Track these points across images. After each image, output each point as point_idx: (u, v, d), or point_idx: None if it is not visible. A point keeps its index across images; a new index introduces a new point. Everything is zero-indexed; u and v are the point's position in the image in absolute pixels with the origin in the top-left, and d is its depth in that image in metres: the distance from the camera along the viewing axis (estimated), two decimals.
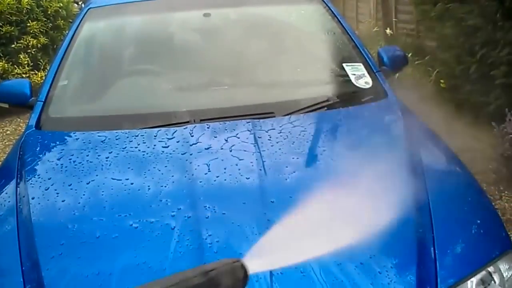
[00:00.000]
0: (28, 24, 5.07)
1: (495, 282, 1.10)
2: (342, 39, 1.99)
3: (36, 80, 4.83)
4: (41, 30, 5.14)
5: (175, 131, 1.49)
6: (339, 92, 1.76)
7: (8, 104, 1.96)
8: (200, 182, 1.27)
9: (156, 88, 1.82)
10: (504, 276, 1.11)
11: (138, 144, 1.46)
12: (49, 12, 5.30)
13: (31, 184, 1.35)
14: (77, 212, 1.23)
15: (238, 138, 1.44)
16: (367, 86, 1.77)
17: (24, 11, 5.03)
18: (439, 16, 3.87)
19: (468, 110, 3.58)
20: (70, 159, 1.43)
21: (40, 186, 1.33)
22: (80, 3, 7.53)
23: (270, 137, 1.44)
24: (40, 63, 5.13)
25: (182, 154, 1.39)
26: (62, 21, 5.44)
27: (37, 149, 1.55)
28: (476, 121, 3.43)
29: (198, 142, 1.43)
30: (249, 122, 1.51)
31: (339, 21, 2.05)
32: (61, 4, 5.46)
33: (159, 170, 1.34)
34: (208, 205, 1.19)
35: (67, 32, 2.13)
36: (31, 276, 1.08)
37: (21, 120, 4.77)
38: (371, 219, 1.17)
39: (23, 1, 4.99)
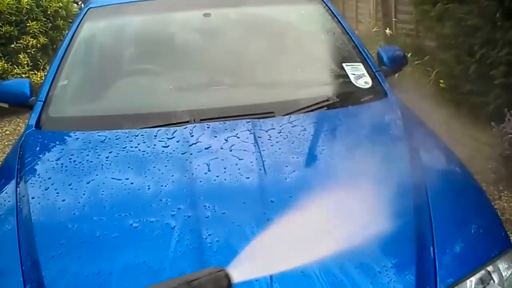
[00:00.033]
0: (28, 24, 5.07)
1: (494, 282, 1.11)
2: (342, 39, 2.00)
3: (35, 80, 4.83)
4: (41, 30, 5.15)
5: (175, 131, 1.50)
6: (338, 92, 1.76)
7: (8, 104, 1.96)
8: (200, 181, 1.28)
9: (156, 88, 1.82)
10: (503, 275, 1.12)
11: (138, 144, 1.46)
12: (48, 12, 5.30)
13: (31, 183, 1.35)
14: (77, 212, 1.23)
15: (238, 138, 1.44)
16: (367, 86, 1.77)
17: (23, 11, 5.03)
18: (438, 16, 3.88)
19: (468, 110, 3.59)
20: (70, 159, 1.43)
21: (40, 186, 1.33)
22: (79, 3, 7.53)
23: (270, 137, 1.45)
24: (40, 63, 5.13)
25: (182, 153, 1.39)
26: (61, 21, 5.44)
27: (37, 149, 1.55)
28: (475, 121, 3.43)
29: (198, 142, 1.43)
30: (249, 122, 1.51)
31: (339, 21, 2.05)
32: (61, 4, 5.46)
33: (159, 170, 1.34)
34: (208, 205, 1.19)
35: (67, 32, 2.13)
36: (31, 275, 1.08)
37: (20, 120, 4.77)
38: (371, 218, 1.17)
39: (23, 1, 4.99)
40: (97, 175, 1.35)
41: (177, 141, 1.45)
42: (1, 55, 4.93)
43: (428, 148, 1.50)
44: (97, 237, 1.14)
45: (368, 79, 1.80)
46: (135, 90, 1.83)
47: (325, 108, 1.65)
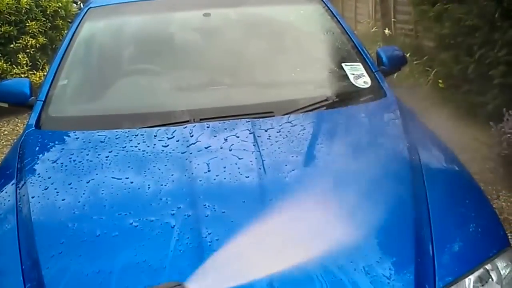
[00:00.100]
0: (27, 24, 5.07)
1: (492, 280, 1.11)
2: (341, 39, 2.00)
3: (34, 80, 4.83)
4: (40, 30, 5.14)
5: (175, 131, 1.50)
6: (338, 92, 1.76)
7: (8, 104, 1.96)
8: (200, 181, 1.28)
9: (156, 87, 1.82)
10: (502, 273, 1.12)
11: (138, 143, 1.46)
12: (48, 12, 5.30)
13: (31, 183, 1.35)
14: (77, 211, 1.23)
15: (238, 137, 1.45)
16: (366, 86, 1.78)
17: (23, 11, 5.03)
18: (437, 16, 3.89)
19: (466, 110, 3.60)
20: (70, 158, 1.43)
21: (40, 185, 1.33)
22: (78, 2, 7.53)
23: (269, 136, 1.45)
24: (39, 63, 5.13)
25: (182, 153, 1.39)
26: (61, 21, 5.44)
27: (37, 148, 1.55)
28: (474, 120, 3.44)
29: (197, 141, 1.44)
30: (248, 121, 1.51)
31: (338, 21, 2.05)
32: (60, 4, 5.46)
33: (159, 169, 1.34)
34: (207, 204, 1.20)
35: (67, 31, 2.13)
36: (31, 275, 1.08)
37: (19, 120, 4.77)
38: (370, 217, 1.18)
39: (22, 1, 4.99)
40: (97, 174, 1.35)
41: (177, 141, 1.45)
42: (0, 55, 4.92)
43: (427, 147, 1.50)
44: (97, 236, 1.15)
45: (367, 79, 1.80)
46: (135, 89, 1.83)
47: (325, 107, 1.66)
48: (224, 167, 1.32)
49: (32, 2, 5.11)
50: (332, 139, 1.54)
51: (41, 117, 1.69)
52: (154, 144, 1.45)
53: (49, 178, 1.36)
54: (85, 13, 2.09)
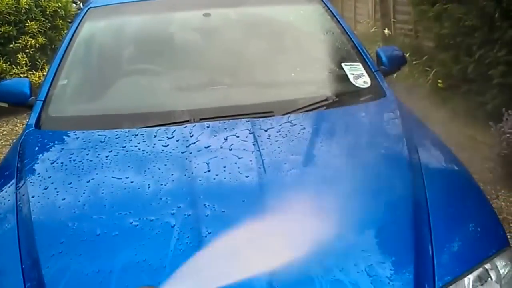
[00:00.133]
0: (27, 24, 5.06)
1: (491, 279, 1.12)
2: (341, 39, 2.00)
3: (34, 80, 4.83)
4: (40, 30, 5.14)
5: (175, 130, 1.50)
6: (337, 92, 1.77)
7: (8, 104, 1.96)
8: (200, 180, 1.28)
9: (156, 87, 1.82)
10: (501, 273, 1.13)
11: (138, 143, 1.46)
12: (47, 12, 5.29)
13: (31, 182, 1.35)
14: (77, 210, 1.23)
15: (238, 137, 1.45)
16: (366, 86, 1.78)
17: (22, 11, 5.03)
18: (437, 16, 3.90)
19: (466, 110, 3.60)
20: (70, 158, 1.43)
21: (40, 185, 1.33)
22: (78, 2, 7.53)
23: (269, 136, 1.45)
24: (38, 63, 5.12)
25: (181, 152, 1.39)
26: (60, 21, 5.44)
27: (37, 148, 1.56)
28: (473, 120, 3.45)
29: (197, 141, 1.44)
30: (248, 121, 1.52)
31: (338, 21, 2.06)
32: (60, 4, 5.45)
33: (159, 169, 1.34)
34: (207, 203, 1.20)
35: (67, 31, 2.14)
36: (31, 274, 1.08)
37: (18, 120, 4.77)
38: (369, 216, 1.18)
39: (22, 1, 4.98)
40: (97, 174, 1.36)
41: (177, 140, 1.45)
42: None
43: (426, 147, 1.51)
44: (97, 236, 1.15)
45: (367, 78, 1.80)
46: (135, 89, 1.83)
47: (324, 107, 1.66)
48: (224, 167, 1.32)
49: (31, 2, 5.11)
50: (331, 139, 1.55)
51: (41, 117, 1.69)
52: (154, 144, 1.45)
53: (49, 177, 1.36)
54: (85, 13, 2.09)
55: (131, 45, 2.07)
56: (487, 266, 1.12)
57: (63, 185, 1.33)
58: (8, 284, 1.09)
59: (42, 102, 1.74)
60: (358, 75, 1.81)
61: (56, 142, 1.59)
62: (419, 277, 1.04)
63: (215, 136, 1.48)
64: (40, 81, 4.74)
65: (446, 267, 1.08)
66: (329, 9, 2.11)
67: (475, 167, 1.87)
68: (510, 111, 2.80)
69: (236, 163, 1.33)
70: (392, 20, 5.82)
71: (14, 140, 3.97)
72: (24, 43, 5.03)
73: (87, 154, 1.44)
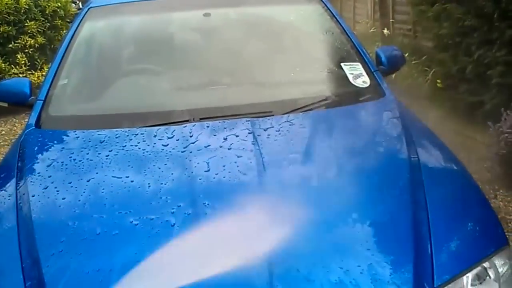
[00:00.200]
0: (26, 24, 5.06)
1: (490, 278, 1.12)
2: (340, 39, 2.01)
3: (33, 80, 4.81)
4: (39, 30, 5.13)
5: (175, 130, 1.50)
6: (337, 91, 1.77)
7: (8, 103, 1.96)
8: (200, 179, 1.29)
9: (156, 87, 1.83)
10: (499, 271, 1.13)
11: (138, 143, 1.47)
12: (47, 12, 5.29)
13: (31, 182, 1.35)
14: (77, 210, 1.23)
15: (237, 136, 1.45)
16: (365, 85, 1.78)
17: (22, 11, 5.02)
18: (436, 17, 3.90)
19: (464, 110, 3.61)
20: (70, 157, 1.43)
21: (40, 184, 1.34)
22: (77, 2, 7.52)
23: (269, 136, 1.46)
24: (37, 63, 5.12)
25: (181, 152, 1.40)
26: (60, 21, 5.43)
27: (37, 147, 1.56)
28: (472, 120, 3.46)
29: (197, 141, 1.44)
30: (248, 120, 1.52)
31: (338, 21, 2.06)
32: (59, 4, 5.45)
33: (159, 168, 1.35)
34: (207, 202, 1.20)
35: (67, 31, 2.14)
36: (32, 273, 1.09)
37: (17, 120, 4.76)
38: (369, 215, 1.19)
39: (21, 1, 4.98)
40: (97, 173, 1.36)
41: (177, 140, 1.46)
42: None
43: (425, 146, 1.51)
44: (97, 235, 1.15)
45: (366, 78, 1.81)
46: (135, 89, 1.83)
47: (324, 107, 1.66)
48: (224, 166, 1.33)
49: (31, 2, 5.10)
50: (331, 139, 1.55)
51: (41, 117, 1.69)
52: (154, 143, 1.46)
53: (49, 177, 1.36)
54: (86, 13, 2.09)
55: (131, 45, 2.07)
56: (486, 264, 1.13)
57: (63, 184, 1.33)
58: (8, 283, 1.09)
59: (42, 101, 1.74)
60: (358, 75, 1.81)
61: (56, 141, 1.60)
62: (418, 276, 1.05)
63: (215, 135, 1.48)
64: (39, 81, 4.73)
65: (444, 266, 1.09)
66: (328, 9, 2.12)
67: (473, 166, 1.88)
68: (509, 111, 2.81)
69: (235, 162, 1.33)
70: (391, 20, 5.82)
71: (13, 140, 3.97)
72: (23, 43, 5.03)
73: (87, 154, 1.44)
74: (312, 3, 2.16)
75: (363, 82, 1.80)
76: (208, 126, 1.53)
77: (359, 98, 1.74)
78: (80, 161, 1.41)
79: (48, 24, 5.30)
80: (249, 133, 1.45)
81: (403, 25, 5.73)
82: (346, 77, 1.80)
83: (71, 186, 1.32)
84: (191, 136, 1.46)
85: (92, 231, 1.16)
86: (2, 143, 4.28)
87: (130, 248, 1.11)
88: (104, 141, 1.50)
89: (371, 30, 6.39)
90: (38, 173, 1.40)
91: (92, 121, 1.65)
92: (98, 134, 1.53)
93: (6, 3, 4.88)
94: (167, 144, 1.44)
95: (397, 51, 2.16)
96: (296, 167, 1.36)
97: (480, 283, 1.11)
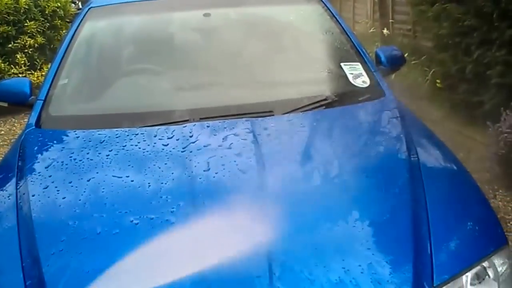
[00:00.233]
0: (26, 24, 5.05)
1: (489, 277, 1.12)
2: (340, 39, 2.01)
3: (32, 80, 4.79)
4: (38, 30, 5.13)
5: (175, 130, 1.51)
6: (337, 91, 1.77)
7: (8, 103, 1.96)
8: (200, 179, 1.29)
9: (156, 87, 1.83)
10: (499, 270, 1.13)
11: (138, 142, 1.47)
12: (46, 12, 5.29)
13: (31, 181, 1.35)
14: (78, 209, 1.24)
15: (237, 136, 1.45)
16: (365, 85, 1.79)
17: (21, 11, 5.02)
18: (435, 17, 3.91)
19: (464, 110, 3.62)
20: (70, 157, 1.44)
21: (40, 183, 1.34)
22: (77, 2, 7.52)
23: (269, 135, 1.46)
24: (37, 63, 5.11)
25: (181, 152, 1.40)
26: (59, 21, 5.43)
27: (37, 147, 1.56)
28: (471, 120, 3.46)
29: (197, 140, 1.44)
30: (248, 120, 1.52)
31: (338, 21, 2.07)
32: (59, 4, 5.45)
33: (159, 168, 1.35)
34: (207, 202, 1.20)
35: (67, 31, 2.14)
36: (32, 272, 1.09)
37: (16, 120, 4.76)
38: (368, 215, 1.19)
39: (21, 1, 4.98)
40: (97, 172, 1.36)
41: (177, 140, 1.46)
42: None
43: (425, 146, 1.52)
44: (97, 234, 1.15)
45: (366, 78, 1.81)
46: (135, 89, 1.83)
47: (324, 107, 1.67)
48: (224, 166, 1.33)
49: (30, 2, 5.10)
50: (331, 138, 1.55)
51: (41, 116, 1.69)
52: (154, 143, 1.46)
53: (49, 176, 1.37)
54: (86, 12, 2.10)
55: (132, 45, 2.07)
56: (485, 264, 1.13)
57: (63, 183, 1.33)
58: (9, 282, 1.09)
59: (42, 101, 1.74)
60: (357, 75, 1.82)
61: (56, 141, 1.60)
62: (418, 275, 1.05)
63: (215, 135, 1.48)
64: (38, 81, 4.73)
65: (444, 265, 1.09)
66: (328, 9, 2.12)
67: (472, 166, 1.88)
68: (508, 110, 2.81)
69: (235, 162, 1.34)
70: (390, 20, 5.83)
71: (12, 140, 3.97)
72: (23, 43, 5.02)
73: (88, 153, 1.44)
74: (312, 3, 2.17)
75: (363, 82, 1.80)
76: (208, 126, 1.53)
77: (359, 98, 1.74)
78: (80, 160, 1.41)
79: (48, 24, 5.29)
80: (249, 132, 1.46)
81: (403, 25, 5.74)
82: (346, 77, 1.81)
83: (71, 186, 1.32)
84: (191, 136, 1.46)
85: (92, 231, 1.16)
86: (1, 143, 4.27)
87: (130, 248, 1.11)
88: (104, 141, 1.50)
89: (371, 30, 6.40)
90: (38, 172, 1.40)
91: (92, 121, 1.65)
92: (98, 134, 1.53)
93: (5, 3, 4.88)
94: (167, 144, 1.44)
95: (397, 51, 2.17)
96: (296, 166, 1.36)
97: (480, 283, 1.11)
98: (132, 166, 1.37)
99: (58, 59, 1.88)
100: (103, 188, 1.30)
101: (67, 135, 1.59)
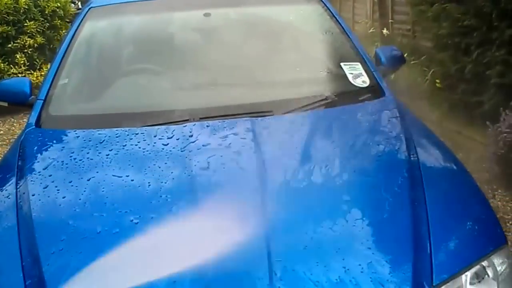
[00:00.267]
0: (25, 24, 5.05)
1: (488, 276, 1.13)
2: (340, 39, 2.01)
3: (31, 80, 4.80)
4: (38, 30, 5.13)
5: (175, 129, 1.51)
6: (336, 91, 1.78)
7: (7, 103, 1.96)
8: (200, 178, 1.29)
9: (156, 87, 1.83)
10: (498, 270, 1.14)
11: (138, 142, 1.47)
12: (46, 12, 5.28)
13: (31, 180, 1.35)
14: (78, 208, 1.24)
15: (237, 135, 1.46)
16: (365, 85, 1.79)
17: (21, 11, 5.02)
18: (435, 17, 3.90)
19: (463, 110, 3.62)
20: (70, 156, 1.44)
21: (40, 183, 1.34)
22: (77, 2, 7.52)
23: (268, 135, 1.46)
24: (36, 63, 5.11)
25: (181, 151, 1.40)
26: (59, 21, 5.42)
27: (37, 147, 1.56)
28: (470, 120, 3.46)
29: (197, 140, 1.45)
30: (248, 120, 1.53)
31: (337, 21, 2.07)
32: (59, 4, 5.45)
33: (159, 167, 1.35)
34: (207, 201, 1.21)
35: (68, 30, 2.14)
36: (32, 271, 1.09)
37: (15, 120, 4.75)
38: (368, 214, 1.19)
39: (21, 1, 4.97)
40: (97, 172, 1.36)
41: (177, 139, 1.46)
42: None
43: (425, 145, 1.52)
44: (97, 233, 1.15)
45: (366, 78, 1.81)
46: (136, 89, 1.84)
47: (323, 107, 1.67)
48: (223, 165, 1.33)
49: (30, 2, 5.10)
50: (330, 138, 1.56)
51: (41, 116, 1.70)
52: (154, 143, 1.46)
53: (49, 176, 1.37)
54: (86, 12, 2.10)
55: (132, 44, 2.08)
56: (485, 263, 1.13)
57: (63, 183, 1.33)
58: (9, 281, 1.09)
59: (42, 101, 1.75)
60: (357, 75, 1.82)
61: (56, 140, 1.60)
62: (417, 275, 1.05)
63: (214, 135, 1.49)
64: (38, 81, 4.72)
65: (443, 264, 1.09)
66: (328, 9, 2.13)
67: (472, 166, 1.88)
68: (508, 110, 2.81)
69: (235, 162, 1.34)
70: (390, 20, 5.83)
71: (11, 140, 3.96)
72: (22, 43, 5.02)
73: (88, 153, 1.44)
74: (312, 3, 2.17)
75: (363, 82, 1.80)
76: (208, 126, 1.53)
77: (359, 97, 1.74)
78: (80, 160, 1.41)
79: (48, 24, 5.29)
80: (248, 132, 1.46)
81: (402, 25, 5.73)
82: (346, 76, 1.81)
83: (71, 185, 1.32)
84: (191, 136, 1.47)
85: (92, 230, 1.16)
86: (0, 143, 4.27)
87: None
88: (104, 140, 1.50)
89: (370, 30, 6.39)
90: (38, 172, 1.40)
91: (92, 120, 1.65)
92: (98, 134, 1.54)
93: (5, 3, 4.87)
94: (167, 144, 1.45)
95: (396, 51, 2.17)
96: (296, 166, 1.36)
97: (479, 282, 1.12)
98: (132, 166, 1.37)
99: (59, 59, 1.88)
100: (103, 188, 1.30)
101: (67, 135, 1.59)
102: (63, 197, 1.29)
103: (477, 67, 3.37)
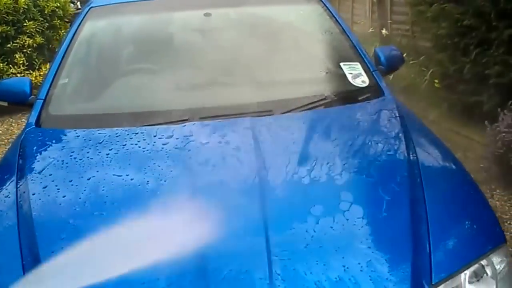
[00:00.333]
0: (25, 24, 5.05)
1: (487, 275, 1.13)
2: (339, 39, 2.02)
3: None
4: (37, 29, 5.13)
5: (175, 129, 1.51)
6: (336, 91, 1.78)
7: (7, 102, 1.96)
8: (199, 177, 1.29)
9: (157, 86, 1.83)
10: (497, 269, 1.14)
11: (138, 141, 1.47)
12: (45, 12, 5.28)
13: (31, 180, 1.36)
14: (78, 207, 1.24)
15: (237, 135, 1.46)
16: (364, 85, 1.79)
17: (21, 11, 5.01)
18: (434, 17, 3.91)
19: (462, 109, 3.63)
20: (70, 156, 1.44)
21: (40, 182, 1.34)
22: (76, 2, 7.52)
23: (268, 135, 1.47)
24: (35, 63, 5.11)
25: (181, 150, 1.41)
26: (58, 21, 5.42)
27: (37, 146, 1.56)
28: (469, 120, 3.47)
29: (197, 139, 1.45)
30: (247, 119, 1.53)
31: (337, 21, 2.07)
32: (58, 4, 5.44)
33: (159, 167, 1.36)
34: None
35: (68, 30, 2.14)
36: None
37: (14, 120, 4.74)
38: (368, 213, 1.20)
39: (20, 1, 4.97)
40: (97, 171, 1.37)
41: (177, 139, 1.46)
42: None
43: (424, 145, 1.52)
44: (97, 233, 1.16)
45: (365, 78, 1.82)
46: (136, 88, 1.84)
47: (323, 106, 1.67)
48: (224, 165, 1.34)
49: (30, 2, 5.09)
50: (330, 137, 1.56)
51: (41, 116, 1.70)
52: (154, 142, 1.46)
53: (49, 175, 1.37)
54: (87, 12, 2.10)
55: (132, 44, 2.08)
56: (483, 262, 1.14)
57: (63, 182, 1.33)
58: (9, 280, 1.09)
59: (42, 100, 1.75)
60: (357, 75, 1.82)
61: (56, 140, 1.60)
62: (416, 273, 1.06)
63: (214, 134, 1.49)
64: (37, 81, 4.72)
65: (442, 263, 1.10)
66: (328, 9, 2.13)
67: (470, 166, 1.89)
68: (506, 110, 2.82)
69: (235, 161, 1.34)
70: (389, 21, 5.84)
71: (10, 140, 3.95)
72: (22, 42, 5.01)
73: (88, 152, 1.44)
74: (311, 3, 2.17)
75: (362, 81, 1.81)
76: (208, 125, 1.53)
77: (358, 97, 1.75)
78: (80, 159, 1.42)
79: (47, 24, 5.29)
80: (248, 132, 1.46)
81: (401, 25, 5.74)
82: (345, 76, 1.81)
83: (72, 184, 1.32)
84: (191, 135, 1.47)
85: (92, 229, 1.17)
86: None
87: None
88: (104, 140, 1.50)
89: (370, 31, 6.40)
90: (39, 171, 1.40)
91: (92, 120, 1.66)
92: (98, 133, 1.54)
93: (5, 3, 4.87)
94: (167, 143, 1.45)
95: (396, 51, 2.18)
96: (295, 165, 1.37)
97: (478, 280, 1.12)
98: (132, 165, 1.38)
99: (59, 59, 1.88)
100: (103, 187, 1.30)
101: (67, 135, 1.59)
102: (63, 196, 1.29)
103: (476, 67, 3.38)
